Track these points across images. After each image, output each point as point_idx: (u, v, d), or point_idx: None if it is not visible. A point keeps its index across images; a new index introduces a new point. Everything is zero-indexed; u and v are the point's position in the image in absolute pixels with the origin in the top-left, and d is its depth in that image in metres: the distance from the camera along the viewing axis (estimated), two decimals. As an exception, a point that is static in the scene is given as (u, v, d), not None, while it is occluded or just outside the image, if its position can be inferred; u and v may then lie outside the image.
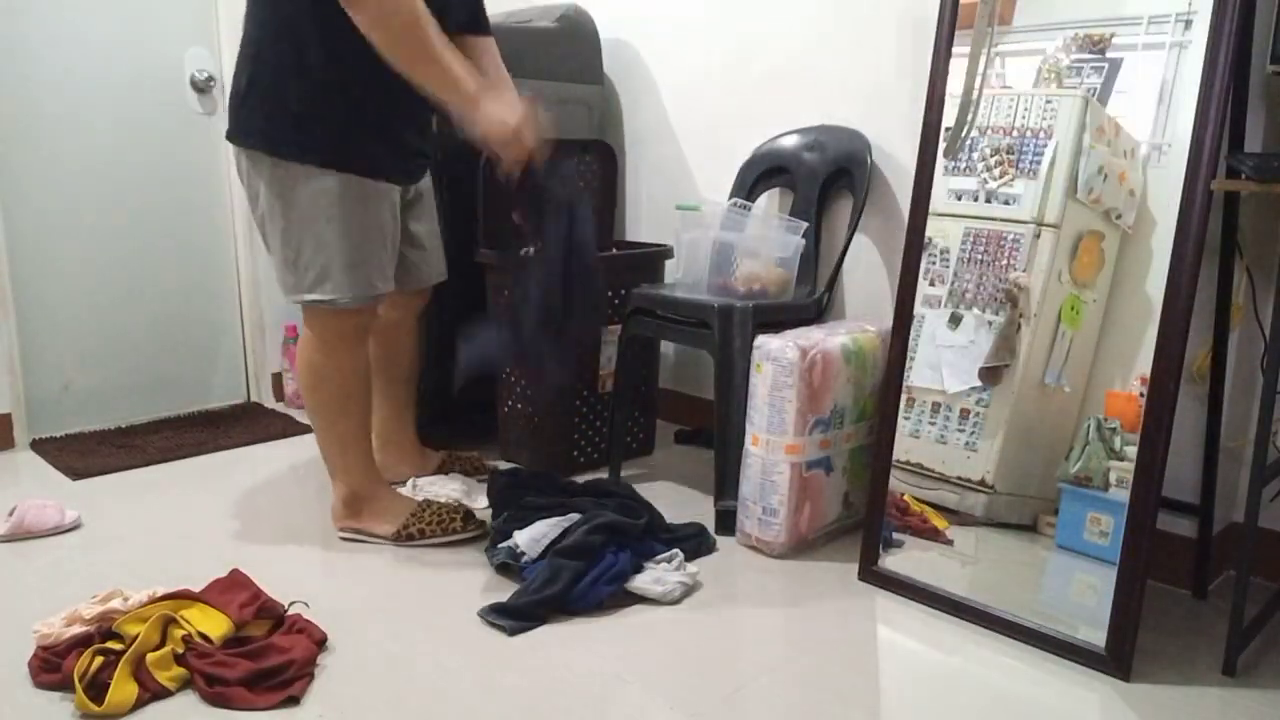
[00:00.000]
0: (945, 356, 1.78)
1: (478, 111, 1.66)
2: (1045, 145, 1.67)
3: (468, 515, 1.94)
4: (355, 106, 1.72)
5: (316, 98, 1.70)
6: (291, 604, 1.60)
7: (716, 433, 2.03)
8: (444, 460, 2.30)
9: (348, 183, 1.75)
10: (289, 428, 2.72)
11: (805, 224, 2.16)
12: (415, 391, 2.27)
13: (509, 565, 1.77)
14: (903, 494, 1.84)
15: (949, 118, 1.76)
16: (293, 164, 1.73)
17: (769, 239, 2.12)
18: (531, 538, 1.77)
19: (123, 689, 1.36)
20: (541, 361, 1.81)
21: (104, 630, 1.47)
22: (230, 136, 1.78)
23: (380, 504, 1.96)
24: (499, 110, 1.68)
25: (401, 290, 2.00)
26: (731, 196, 2.37)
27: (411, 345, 2.19)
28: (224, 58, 2.79)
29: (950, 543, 1.79)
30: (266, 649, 1.46)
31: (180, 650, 1.44)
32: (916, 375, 1.81)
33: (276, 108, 1.71)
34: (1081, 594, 1.59)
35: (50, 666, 1.42)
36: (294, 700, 1.39)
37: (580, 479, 2.16)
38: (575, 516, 1.82)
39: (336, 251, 1.77)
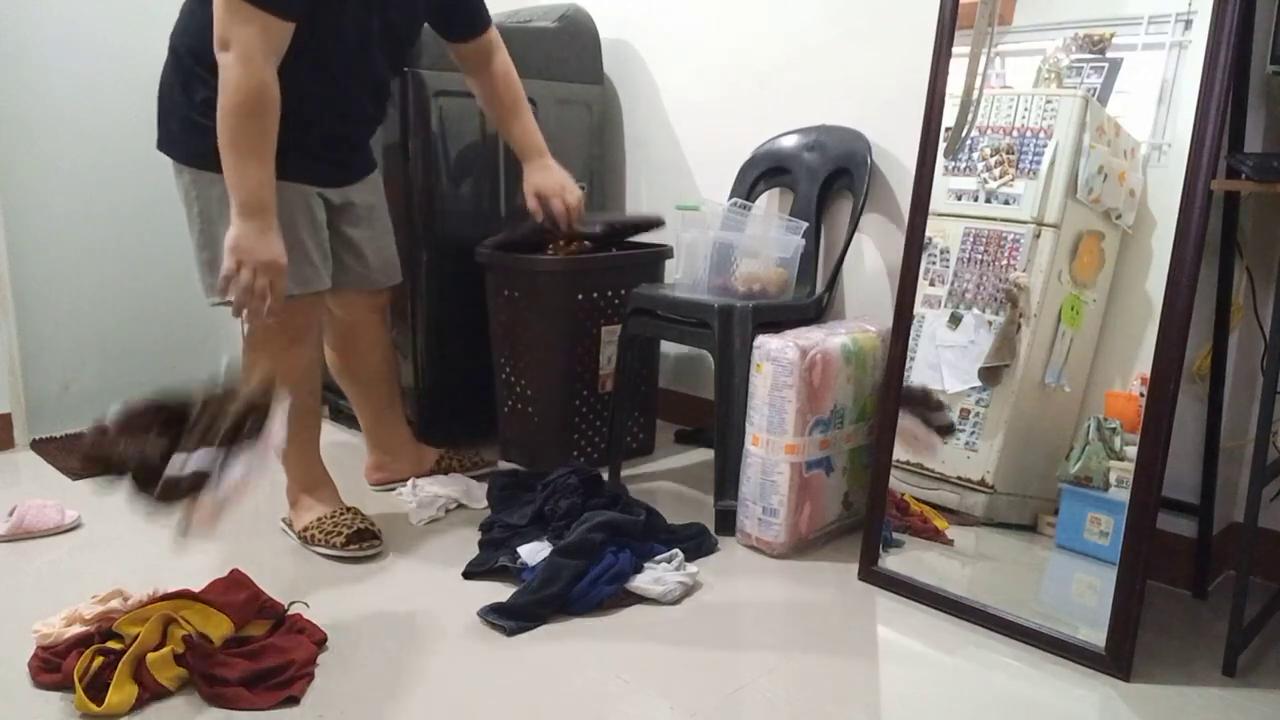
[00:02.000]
0: (945, 356, 1.78)
1: (242, 227, 1.62)
2: (1045, 145, 1.67)
3: (356, 534, 1.88)
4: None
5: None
6: (291, 604, 1.60)
7: (716, 433, 2.03)
8: (441, 456, 2.30)
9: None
10: (289, 428, 2.72)
11: (805, 224, 2.16)
12: (397, 390, 2.25)
13: (508, 566, 1.77)
14: (903, 494, 1.84)
15: (949, 118, 1.76)
16: (199, 170, 1.75)
17: (769, 239, 2.12)
18: (533, 549, 1.79)
19: (123, 689, 1.36)
20: None
21: (104, 630, 1.47)
22: (158, 143, 1.82)
23: (307, 500, 1.98)
24: (241, 240, 1.63)
25: (347, 291, 2.01)
26: (731, 196, 2.37)
27: (377, 343, 2.16)
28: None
29: (950, 543, 1.79)
30: (266, 649, 1.46)
31: (180, 650, 1.44)
32: (916, 375, 1.81)
33: (184, 118, 1.75)
34: (1081, 594, 1.59)
35: (50, 666, 1.42)
36: (294, 700, 1.39)
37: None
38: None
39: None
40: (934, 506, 1.82)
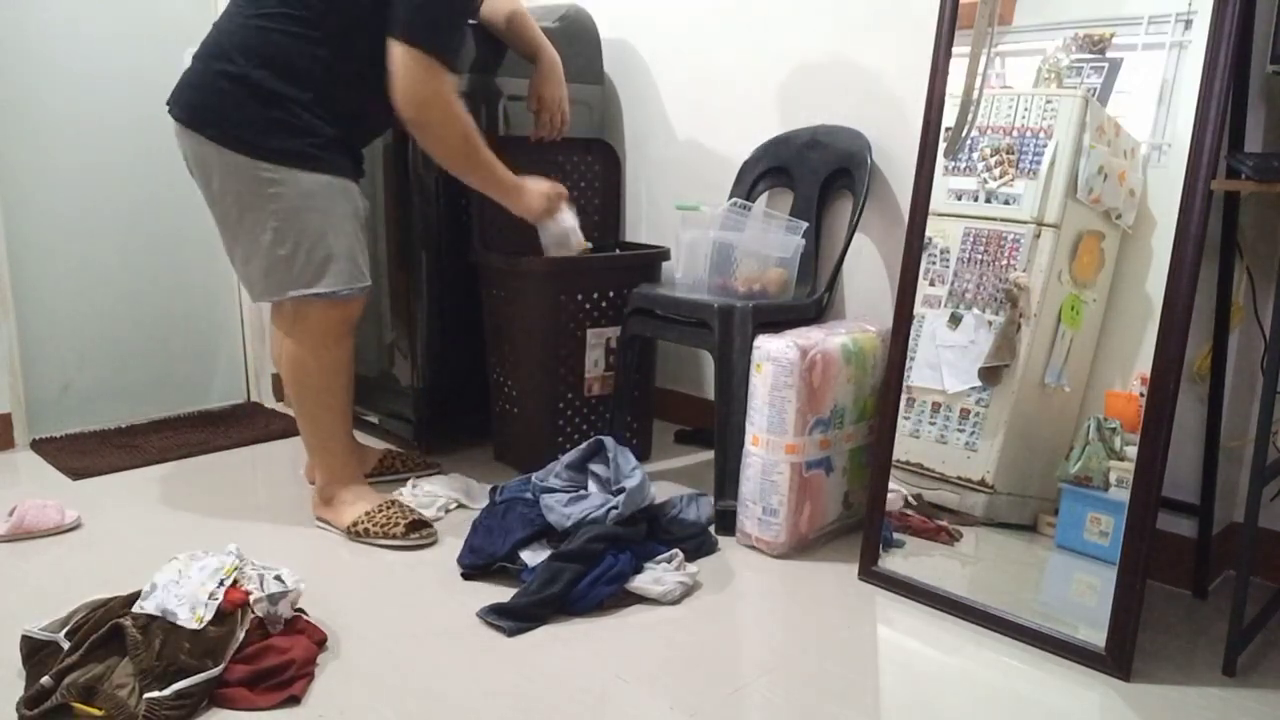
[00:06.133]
0: (945, 356, 1.78)
1: (519, 199, 2.06)
2: (1045, 145, 1.67)
3: (414, 524, 1.94)
4: (335, 122, 1.88)
5: (305, 110, 1.84)
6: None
7: (716, 433, 2.03)
8: (384, 456, 2.31)
9: (330, 183, 1.87)
10: (289, 427, 2.72)
11: (805, 224, 2.16)
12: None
13: (507, 567, 1.77)
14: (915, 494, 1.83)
15: (949, 118, 1.76)
16: (282, 168, 1.83)
17: (769, 239, 2.12)
18: (534, 551, 1.79)
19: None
20: None
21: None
22: (214, 138, 1.84)
23: (347, 496, 2.01)
24: (535, 196, 2.08)
25: None
26: (731, 196, 2.37)
27: None
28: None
29: (950, 543, 1.79)
30: (266, 649, 1.46)
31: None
32: (916, 375, 1.81)
33: (265, 115, 1.82)
34: (1081, 594, 1.59)
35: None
36: (294, 700, 1.40)
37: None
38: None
39: (332, 245, 1.88)
40: (938, 508, 1.82)
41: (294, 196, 1.83)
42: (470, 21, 2.13)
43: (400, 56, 1.79)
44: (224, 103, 1.83)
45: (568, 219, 2.17)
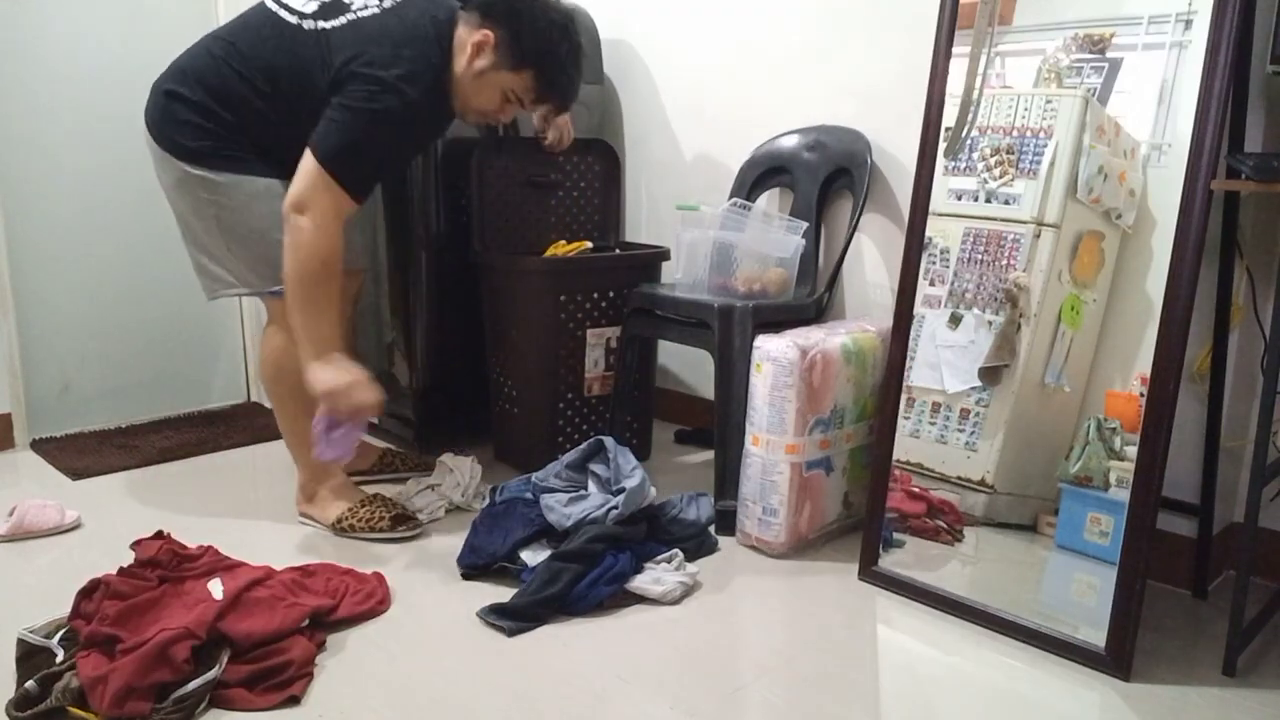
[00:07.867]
0: (945, 356, 1.78)
1: (315, 374, 1.78)
2: (1045, 145, 1.67)
3: (398, 517, 1.97)
4: (275, 128, 1.86)
5: (246, 122, 1.85)
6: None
7: (716, 433, 2.03)
8: (383, 454, 2.32)
9: (272, 184, 1.86)
10: (289, 428, 2.72)
11: (805, 224, 2.16)
12: None
13: (507, 567, 1.77)
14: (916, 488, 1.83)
15: (949, 118, 1.76)
16: (223, 173, 1.85)
17: (769, 239, 2.12)
18: (534, 551, 1.79)
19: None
20: None
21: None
22: (181, 157, 1.87)
23: (327, 492, 2.03)
24: (323, 375, 1.78)
25: None
26: (731, 196, 2.37)
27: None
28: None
29: (950, 543, 1.79)
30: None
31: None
32: (916, 375, 1.81)
33: (207, 129, 1.84)
34: (1081, 594, 1.59)
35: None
36: (294, 700, 1.40)
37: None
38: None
39: (278, 245, 1.85)
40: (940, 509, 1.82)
41: (233, 204, 1.85)
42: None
43: (309, 165, 1.76)
44: (172, 129, 1.86)
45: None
